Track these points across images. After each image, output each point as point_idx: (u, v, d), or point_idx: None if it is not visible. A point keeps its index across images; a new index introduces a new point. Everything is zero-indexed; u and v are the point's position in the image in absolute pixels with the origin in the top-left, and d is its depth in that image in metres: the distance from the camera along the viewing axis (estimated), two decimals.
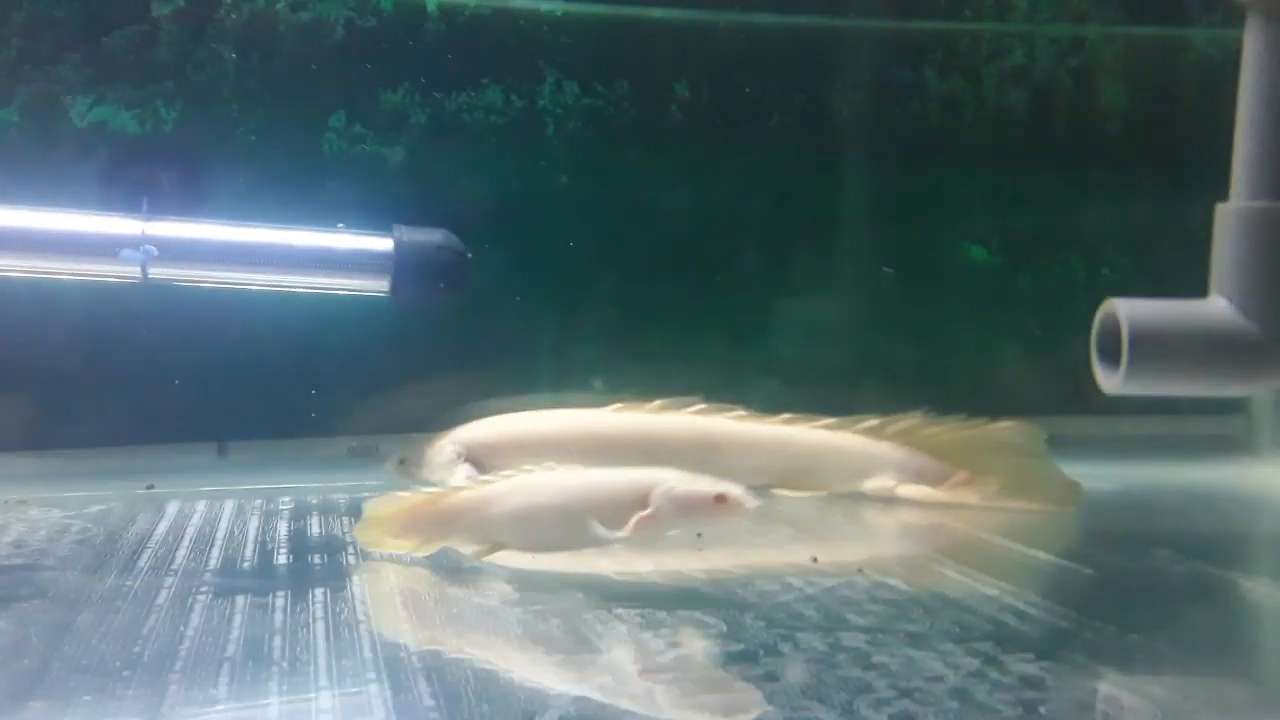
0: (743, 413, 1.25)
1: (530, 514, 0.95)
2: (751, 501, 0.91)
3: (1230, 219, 1.01)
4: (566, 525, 0.94)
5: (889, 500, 1.21)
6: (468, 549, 0.98)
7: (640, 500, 0.92)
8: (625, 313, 1.44)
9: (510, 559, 1.03)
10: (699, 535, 1.04)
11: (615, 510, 0.92)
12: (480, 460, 1.27)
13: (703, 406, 1.25)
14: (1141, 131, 1.46)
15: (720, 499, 0.91)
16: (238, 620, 0.83)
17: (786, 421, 1.24)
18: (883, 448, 1.23)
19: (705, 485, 0.92)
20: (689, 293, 1.44)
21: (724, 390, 1.29)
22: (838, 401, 1.28)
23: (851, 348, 1.44)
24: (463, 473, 1.25)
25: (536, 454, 1.27)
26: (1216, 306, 1.01)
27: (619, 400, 1.26)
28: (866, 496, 1.21)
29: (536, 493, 0.96)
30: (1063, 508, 1.17)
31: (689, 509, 0.92)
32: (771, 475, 1.23)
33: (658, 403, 1.25)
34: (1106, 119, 1.47)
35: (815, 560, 0.98)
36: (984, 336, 1.45)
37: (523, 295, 1.42)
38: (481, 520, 0.97)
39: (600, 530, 0.92)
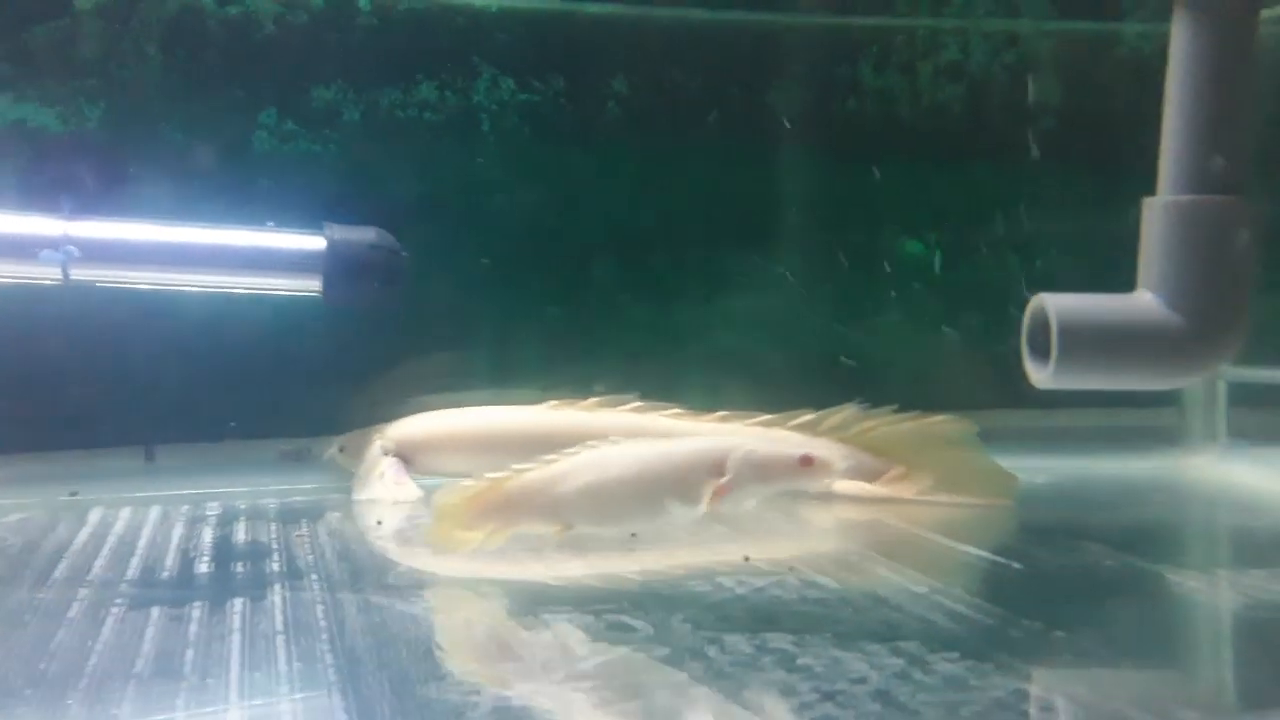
0: (678, 410, 1.23)
1: (599, 490, 0.89)
2: (841, 462, 0.86)
3: (1156, 213, 1.00)
4: (637, 499, 0.89)
5: (826, 496, 1.19)
6: (540, 532, 0.92)
7: (716, 468, 0.86)
8: (563, 310, 1.42)
9: (436, 565, 1.01)
10: (633, 535, 1.03)
11: (689, 481, 0.86)
12: (408, 456, 1.24)
13: (638, 404, 1.23)
14: (1075, 126, 1.46)
15: (806, 461, 0.85)
16: (150, 633, 0.80)
17: (722, 418, 1.22)
18: (819, 444, 1.21)
19: (788, 447, 0.86)
20: (626, 289, 1.42)
21: (662, 387, 1.28)
22: (774, 396, 1.27)
23: (788, 343, 1.43)
24: (387, 468, 1.23)
25: (466, 452, 1.25)
26: (1143, 300, 1.00)
27: (554, 397, 1.24)
28: (803, 493, 1.20)
29: (605, 467, 0.90)
30: (998, 501, 1.17)
31: (771, 474, 0.85)
32: None
33: (593, 400, 1.24)
34: (1041, 114, 1.47)
35: (748, 559, 0.97)
36: (920, 330, 1.45)
37: (459, 294, 1.39)
38: (550, 501, 0.91)
39: (677, 506, 0.85)
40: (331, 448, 1.29)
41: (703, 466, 0.86)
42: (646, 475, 0.89)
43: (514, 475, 0.93)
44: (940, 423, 1.21)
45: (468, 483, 0.94)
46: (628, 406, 1.23)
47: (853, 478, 1.20)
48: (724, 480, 0.85)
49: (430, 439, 1.25)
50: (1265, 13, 1.07)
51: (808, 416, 1.22)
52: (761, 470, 0.85)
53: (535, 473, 0.92)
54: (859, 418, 1.22)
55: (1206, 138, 0.96)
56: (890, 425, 1.22)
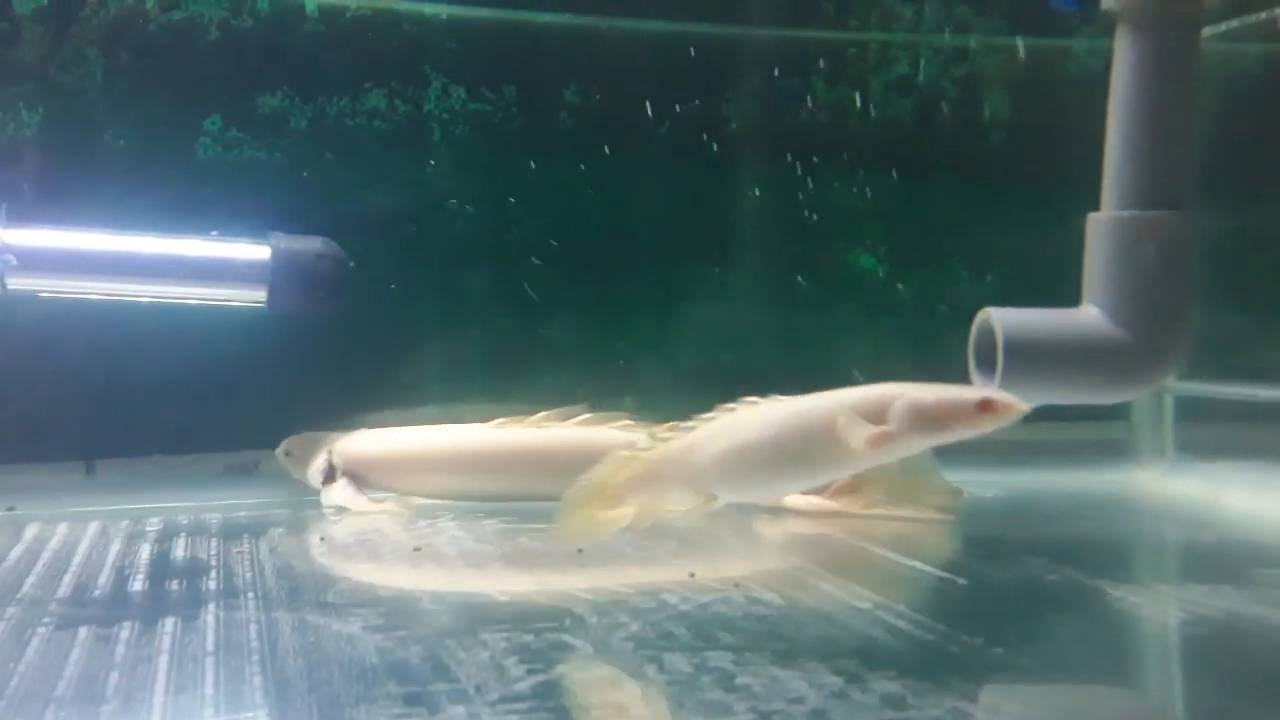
0: (629, 422, 1.22)
1: (737, 455, 0.81)
2: (1022, 405, 0.77)
3: (1100, 228, 1.02)
4: (785, 463, 0.81)
5: (776, 510, 1.19)
6: (680, 507, 0.85)
7: (874, 419, 0.77)
8: (515, 323, 1.41)
9: (378, 582, 1.00)
10: (580, 551, 1.02)
11: (843, 436, 0.77)
12: (354, 473, 1.23)
13: (587, 417, 1.23)
14: (1025, 141, 1.47)
15: (987, 406, 0.76)
16: (76, 654, 0.78)
17: (672, 428, 1.21)
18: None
19: (961, 392, 0.77)
20: (579, 302, 1.42)
21: (616, 400, 1.27)
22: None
23: (739, 355, 1.43)
24: (337, 485, 1.22)
25: (412, 470, 1.24)
26: (1088, 314, 1.01)
27: (503, 413, 1.23)
28: (754, 506, 1.20)
29: (744, 430, 0.81)
30: (946, 515, 1.17)
31: (942, 421, 0.77)
32: None
33: (541, 414, 1.23)
34: (991, 129, 1.48)
35: (693, 575, 0.96)
36: (871, 344, 1.45)
37: (408, 306, 1.38)
38: (688, 470, 0.83)
39: (855, 429, 0.75)
40: (279, 448, 1.27)
41: (860, 418, 0.78)
42: (790, 434, 0.81)
43: (656, 444, 0.86)
44: None
45: (604, 463, 0.86)
46: (576, 420, 1.23)
47: (803, 491, 1.20)
48: (885, 428, 0.77)
49: (375, 456, 1.24)
50: (1208, 30, 1.09)
51: None
52: (931, 419, 0.77)
53: (675, 441, 0.85)
54: None
55: (1148, 153, 0.97)
56: None
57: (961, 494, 1.18)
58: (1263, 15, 1.17)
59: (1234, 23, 1.23)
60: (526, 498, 1.21)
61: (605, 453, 1.18)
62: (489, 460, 1.20)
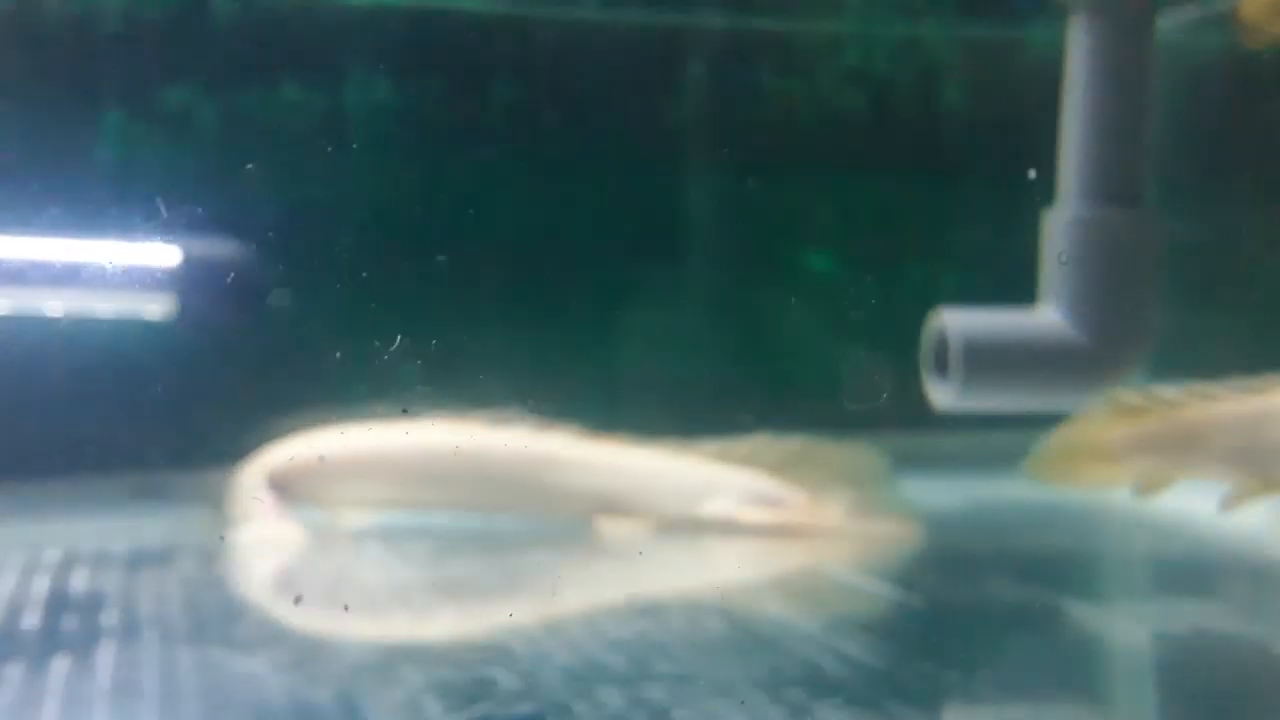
0: (570, 433, 1.22)
1: None
2: None
3: (1057, 226, 1.02)
4: None
5: (730, 527, 1.19)
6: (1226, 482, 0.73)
7: None
8: (443, 328, 1.39)
9: (293, 615, 0.98)
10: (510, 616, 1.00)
11: None
12: (289, 488, 1.20)
13: (527, 426, 1.22)
14: (983, 135, 1.48)
15: None
16: None
17: (619, 443, 1.21)
18: (723, 470, 1.21)
19: None
20: (512, 305, 1.40)
21: (554, 409, 1.26)
22: (674, 419, 1.26)
23: (686, 360, 1.43)
24: (267, 504, 1.19)
25: (354, 479, 1.22)
26: (1046, 316, 1.02)
27: (435, 420, 1.22)
28: (706, 523, 1.19)
29: None
30: (904, 531, 1.17)
31: None
32: (602, 500, 1.20)
33: (477, 422, 1.22)
34: (946, 122, 1.49)
35: (633, 599, 0.96)
36: (826, 348, 1.45)
37: (329, 313, 1.36)
38: (1251, 447, 0.72)
39: None
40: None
41: None
42: None
43: (1195, 402, 0.75)
44: (849, 452, 1.22)
45: (1124, 400, 0.75)
46: (516, 429, 1.22)
47: (758, 506, 1.20)
48: None
49: (311, 465, 1.20)
50: (1168, 20, 1.10)
51: (713, 446, 1.22)
52: None
53: (1231, 405, 0.74)
54: (766, 446, 1.23)
55: (1105, 147, 0.98)
56: (797, 453, 1.22)
57: (919, 510, 1.18)
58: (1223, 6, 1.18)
59: (1194, 12, 1.24)
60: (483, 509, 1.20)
61: (545, 463, 1.20)
62: (433, 466, 1.19)
